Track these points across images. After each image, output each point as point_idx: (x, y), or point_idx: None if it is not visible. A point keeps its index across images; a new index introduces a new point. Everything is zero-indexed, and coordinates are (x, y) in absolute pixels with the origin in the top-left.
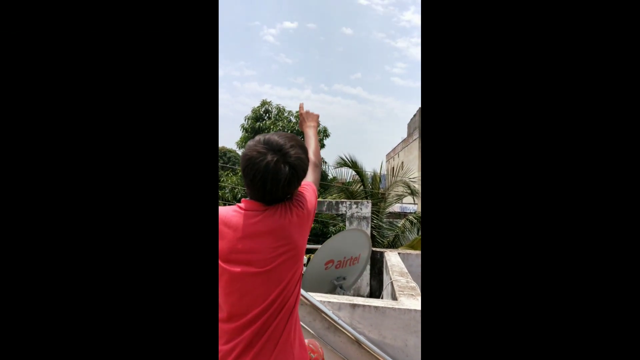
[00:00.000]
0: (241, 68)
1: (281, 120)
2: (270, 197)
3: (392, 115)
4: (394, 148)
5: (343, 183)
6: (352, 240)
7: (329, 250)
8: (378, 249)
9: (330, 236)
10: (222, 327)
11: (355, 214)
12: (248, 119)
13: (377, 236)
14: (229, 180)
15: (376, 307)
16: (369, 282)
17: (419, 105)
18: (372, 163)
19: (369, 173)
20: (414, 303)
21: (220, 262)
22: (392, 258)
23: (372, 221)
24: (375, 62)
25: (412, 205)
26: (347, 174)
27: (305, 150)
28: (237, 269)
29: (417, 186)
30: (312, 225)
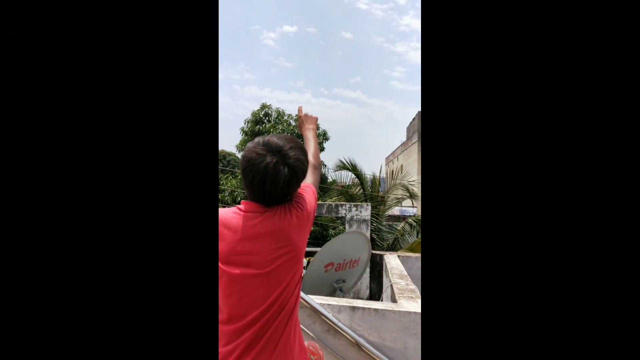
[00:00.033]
0: (241, 71)
1: (281, 123)
2: (270, 199)
3: (391, 118)
4: (393, 151)
5: (343, 186)
6: (351, 242)
7: (328, 253)
8: (378, 252)
9: (330, 239)
10: (222, 329)
11: (355, 217)
12: (248, 122)
13: (377, 239)
14: (229, 184)
15: (376, 310)
16: (368, 285)
17: (418, 109)
18: (372, 166)
19: (368, 176)
20: (414, 305)
21: (219, 263)
22: (392, 261)
23: (371, 224)
24: (375, 66)
25: (411, 208)
26: (347, 177)
27: (304, 152)
28: (237, 271)
29: (416, 189)
30: (312, 228)
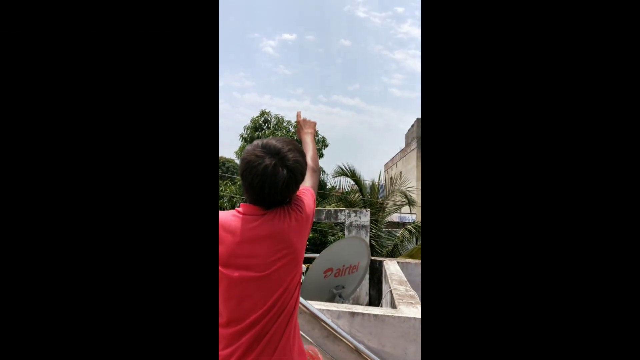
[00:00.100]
0: (241, 79)
1: (280, 130)
2: (269, 201)
3: (390, 125)
4: (392, 158)
5: (342, 192)
6: (351, 248)
7: (327, 259)
8: (377, 258)
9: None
10: (221, 332)
11: (354, 223)
12: (247, 128)
13: (376, 246)
14: (228, 190)
15: (375, 315)
16: (367, 291)
17: (417, 116)
18: (371, 173)
19: (367, 182)
20: (414, 311)
21: (219, 267)
22: (391, 267)
23: (370, 230)
24: (373, 73)
25: (410, 215)
26: (346, 183)
27: (303, 155)
28: (236, 274)
29: (414, 196)
30: (311, 234)
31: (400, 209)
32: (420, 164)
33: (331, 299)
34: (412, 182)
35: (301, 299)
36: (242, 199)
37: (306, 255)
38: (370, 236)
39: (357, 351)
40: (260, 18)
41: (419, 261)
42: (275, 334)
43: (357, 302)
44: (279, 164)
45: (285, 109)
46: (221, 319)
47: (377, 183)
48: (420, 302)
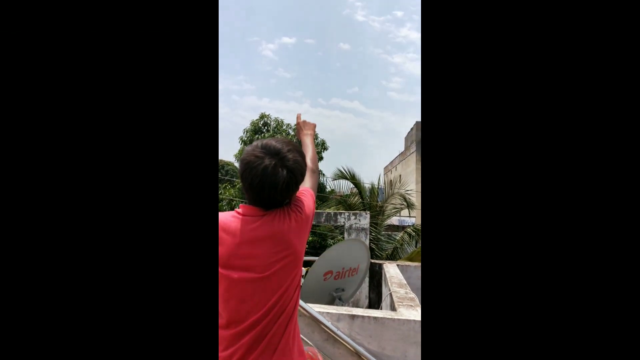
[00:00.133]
0: (240, 82)
1: (280, 133)
2: (269, 202)
3: (389, 128)
4: (392, 161)
5: (341, 195)
6: (350, 250)
7: (327, 261)
8: (377, 261)
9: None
10: (221, 334)
11: (354, 225)
12: (247, 131)
13: (376, 249)
14: (227, 193)
15: (375, 318)
16: (367, 294)
17: (416, 119)
18: (370, 176)
19: (367, 186)
20: (414, 314)
21: (219, 268)
22: (391, 270)
23: (370, 234)
24: (372, 77)
25: (410, 218)
26: (346, 186)
27: (302, 155)
28: (237, 275)
29: (413, 199)
30: (310, 237)
31: (399, 212)
32: (419, 167)
33: (331, 301)
34: (412, 185)
35: (301, 302)
36: (242, 202)
37: (305, 258)
38: (370, 239)
39: (357, 354)
40: (260, 21)
41: (418, 264)
42: (275, 335)
43: (356, 305)
44: (278, 164)
45: (285, 112)
46: (221, 320)
47: (376, 186)
48: (420, 305)
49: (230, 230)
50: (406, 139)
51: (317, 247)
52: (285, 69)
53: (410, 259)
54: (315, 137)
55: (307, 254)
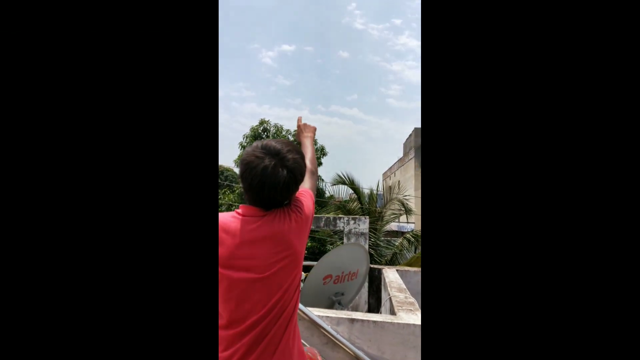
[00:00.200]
0: (240, 89)
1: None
2: (269, 202)
3: (387, 135)
4: (391, 167)
5: (340, 201)
6: (350, 255)
7: (327, 265)
8: (376, 266)
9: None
10: (221, 334)
11: (353, 230)
12: (247, 137)
13: (375, 255)
14: (226, 198)
15: (375, 322)
16: (367, 300)
17: (414, 126)
18: (369, 182)
19: (366, 191)
20: (413, 318)
21: (219, 268)
22: (391, 275)
23: (369, 239)
24: (371, 84)
25: (409, 224)
26: (345, 192)
27: (302, 156)
28: (237, 275)
29: (411, 204)
30: (309, 243)
31: (398, 217)
32: (417, 173)
33: (330, 306)
34: (410, 191)
35: (300, 306)
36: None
37: (305, 263)
38: (369, 245)
39: (357, 358)
40: (260, 29)
41: (418, 269)
42: (275, 336)
43: (356, 310)
44: (278, 164)
45: (284, 118)
46: (221, 321)
47: (375, 192)
48: (419, 309)
49: (230, 230)
50: (405, 145)
51: (317, 252)
52: (285, 76)
53: (410, 265)
54: (315, 142)
55: (306, 259)
